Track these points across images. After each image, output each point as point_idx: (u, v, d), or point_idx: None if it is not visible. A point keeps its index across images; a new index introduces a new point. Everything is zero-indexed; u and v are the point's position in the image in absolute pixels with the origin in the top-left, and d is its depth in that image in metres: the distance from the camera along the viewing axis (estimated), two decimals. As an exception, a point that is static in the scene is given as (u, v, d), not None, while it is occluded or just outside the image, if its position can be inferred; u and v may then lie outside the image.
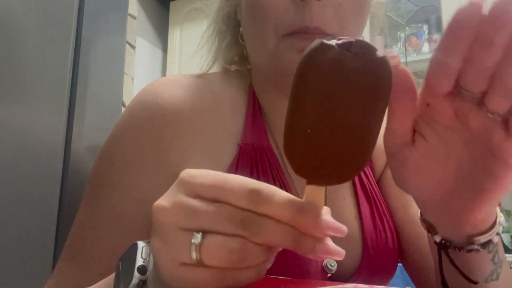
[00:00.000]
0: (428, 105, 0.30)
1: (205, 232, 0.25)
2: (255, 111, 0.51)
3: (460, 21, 0.26)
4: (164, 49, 2.60)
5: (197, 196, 0.26)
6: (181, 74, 0.55)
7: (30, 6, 0.71)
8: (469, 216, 0.32)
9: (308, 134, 0.25)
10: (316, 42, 0.25)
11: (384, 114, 0.26)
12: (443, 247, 0.36)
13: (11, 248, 0.66)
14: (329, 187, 0.51)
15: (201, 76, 0.53)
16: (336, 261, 0.48)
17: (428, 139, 0.32)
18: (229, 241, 0.25)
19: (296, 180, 0.50)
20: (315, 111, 0.25)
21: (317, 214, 0.25)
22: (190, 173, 0.27)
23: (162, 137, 0.46)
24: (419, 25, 2.17)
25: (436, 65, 0.28)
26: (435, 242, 0.36)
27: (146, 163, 0.46)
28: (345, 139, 0.25)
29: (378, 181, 0.57)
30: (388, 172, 0.57)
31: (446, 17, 1.92)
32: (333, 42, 0.24)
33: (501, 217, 0.36)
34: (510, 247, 1.69)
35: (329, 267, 0.47)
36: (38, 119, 0.71)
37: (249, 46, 0.51)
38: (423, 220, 0.38)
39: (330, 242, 0.26)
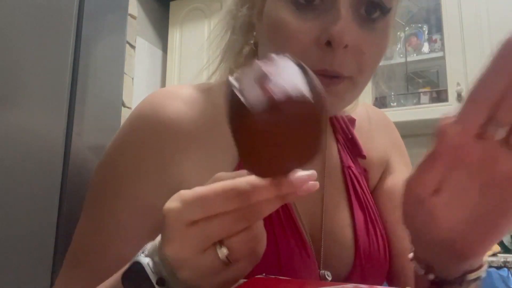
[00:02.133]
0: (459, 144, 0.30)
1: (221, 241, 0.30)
2: None
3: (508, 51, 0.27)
4: (164, 49, 2.60)
5: (192, 222, 0.30)
6: (182, 85, 0.54)
7: (30, 6, 0.71)
8: (473, 255, 0.33)
9: (256, 168, 0.28)
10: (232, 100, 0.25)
11: (319, 131, 0.27)
12: (437, 285, 0.36)
13: (11, 248, 0.66)
14: (325, 197, 0.53)
15: (202, 88, 0.53)
16: (328, 267, 0.48)
17: (452, 185, 0.31)
18: (244, 234, 0.30)
19: None
20: (252, 158, 0.28)
21: (289, 180, 0.30)
22: (176, 205, 0.31)
23: (164, 151, 0.47)
24: (419, 25, 2.17)
25: (479, 93, 0.28)
26: (429, 280, 0.36)
27: (148, 175, 0.46)
28: (288, 157, 0.28)
29: (372, 192, 0.58)
30: (387, 185, 0.58)
31: (446, 17, 1.92)
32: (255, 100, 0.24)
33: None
34: (510, 247, 1.69)
35: (327, 277, 0.47)
36: (38, 119, 0.71)
37: None
38: (417, 259, 0.37)
39: (307, 185, 0.30)
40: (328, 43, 0.41)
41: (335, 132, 0.58)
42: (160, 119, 0.47)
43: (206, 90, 0.52)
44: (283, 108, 0.23)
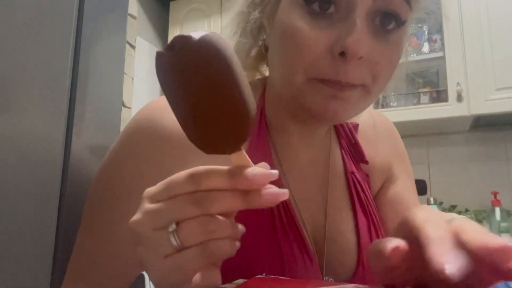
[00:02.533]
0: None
1: (176, 223, 0.30)
2: (261, 127, 0.51)
3: None
4: (164, 49, 2.60)
5: (157, 201, 0.31)
6: None
7: (30, 6, 0.71)
8: None
9: (189, 122, 0.30)
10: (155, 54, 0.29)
11: (233, 80, 0.28)
12: None
13: (11, 248, 0.66)
14: (328, 202, 0.52)
15: None
16: (331, 272, 0.48)
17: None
18: (196, 220, 0.29)
19: (298, 196, 0.50)
20: (182, 104, 0.30)
21: (248, 172, 0.29)
22: (147, 190, 0.32)
23: (163, 164, 0.46)
24: (419, 25, 2.17)
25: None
26: None
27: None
28: (215, 116, 0.29)
29: (375, 198, 0.58)
30: (389, 193, 0.58)
31: (446, 18, 1.92)
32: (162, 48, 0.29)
33: None
34: (510, 247, 1.68)
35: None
36: (38, 118, 0.71)
37: (273, 69, 0.49)
38: None
39: (273, 189, 0.30)
40: (342, 54, 0.40)
41: (339, 137, 0.58)
42: (159, 133, 0.46)
43: None
44: (179, 46, 0.27)
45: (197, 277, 0.29)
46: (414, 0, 0.42)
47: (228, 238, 0.31)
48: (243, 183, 0.29)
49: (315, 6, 0.41)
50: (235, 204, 0.30)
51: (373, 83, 0.43)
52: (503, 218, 1.77)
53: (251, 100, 0.30)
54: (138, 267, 0.47)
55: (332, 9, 0.41)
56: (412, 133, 2.08)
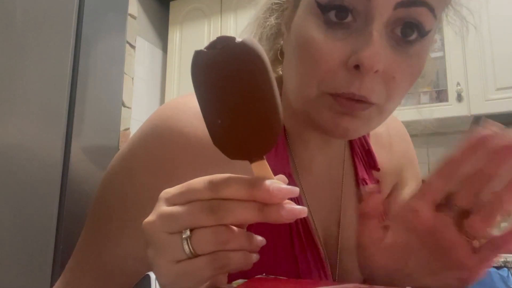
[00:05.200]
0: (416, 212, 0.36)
1: (191, 229, 0.29)
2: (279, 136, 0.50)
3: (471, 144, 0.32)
4: (164, 49, 2.60)
5: (173, 204, 0.30)
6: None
7: (30, 6, 0.71)
8: None
9: (220, 124, 0.29)
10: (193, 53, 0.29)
11: (270, 85, 0.28)
12: None
13: (11, 249, 0.65)
14: (342, 210, 0.52)
15: None
16: (345, 271, 0.48)
17: (397, 237, 0.37)
18: (210, 229, 0.29)
19: (313, 205, 0.49)
20: (214, 106, 0.29)
21: (267, 184, 0.29)
22: (165, 191, 0.32)
23: (180, 175, 0.43)
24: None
25: (447, 171, 0.34)
26: None
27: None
28: (246, 120, 0.29)
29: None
30: (398, 198, 0.58)
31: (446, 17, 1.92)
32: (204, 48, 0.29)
33: None
34: (510, 247, 1.69)
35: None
36: (38, 118, 0.71)
37: (287, 78, 0.47)
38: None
39: (291, 205, 0.29)
40: (357, 67, 0.38)
41: (352, 142, 0.57)
42: (177, 141, 0.44)
43: None
44: (221, 46, 0.28)
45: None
46: (438, 9, 0.39)
47: (242, 251, 0.30)
48: (262, 195, 0.29)
49: (332, 16, 0.39)
50: (251, 216, 0.29)
51: (387, 101, 0.41)
52: (503, 218, 1.77)
53: (281, 109, 0.29)
54: (139, 278, 0.47)
55: (349, 18, 0.39)
56: (412, 133, 2.08)
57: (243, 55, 0.28)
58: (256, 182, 0.29)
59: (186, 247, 0.29)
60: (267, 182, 0.29)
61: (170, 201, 0.31)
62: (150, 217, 0.31)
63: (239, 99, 0.28)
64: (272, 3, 0.48)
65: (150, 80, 2.48)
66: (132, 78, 2.18)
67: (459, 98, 1.80)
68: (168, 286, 0.30)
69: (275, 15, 0.47)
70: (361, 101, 0.39)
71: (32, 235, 0.69)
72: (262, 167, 0.30)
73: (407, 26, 0.39)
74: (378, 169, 0.56)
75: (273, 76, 0.29)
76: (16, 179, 0.67)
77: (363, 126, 0.42)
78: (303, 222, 0.47)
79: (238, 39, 0.28)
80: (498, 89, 1.74)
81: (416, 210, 0.35)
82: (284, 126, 0.51)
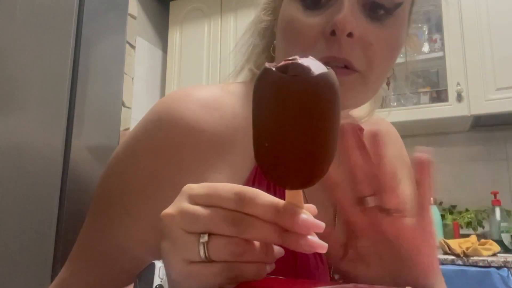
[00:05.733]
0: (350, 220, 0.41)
1: (209, 234, 0.29)
2: None
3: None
4: (164, 49, 2.60)
5: (196, 204, 0.30)
6: (200, 86, 0.52)
7: (30, 6, 0.71)
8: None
9: (267, 147, 0.28)
10: (262, 68, 0.28)
11: (335, 123, 0.28)
12: None
13: (11, 249, 0.66)
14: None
15: (222, 89, 0.51)
16: (338, 269, 0.48)
17: (360, 250, 0.41)
18: (227, 239, 0.29)
19: (310, 196, 0.50)
20: (267, 128, 0.28)
21: (295, 214, 0.29)
22: (189, 186, 0.32)
23: (181, 161, 0.45)
24: (419, 25, 2.17)
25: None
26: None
27: (162, 188, 0.44)
28: (298, 150, 0.28)
29: None
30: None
31: (446, 17, 1.92)
32: (273, 66, 0.28)
33: None
34: (510, 247, 1.69)
35: (336, 278, 0.47)
36: (38, 118, 0.71)
37: (277, 61, 0.51)
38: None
39: (313, 238, 0.29)
40: (333, 33, 0.43)
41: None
42: (179, 126, 0.45)
43: (225, 94, 0.50)
44: (293, 73, 0.27)
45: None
46: None
47: (257, 263, 0.30)
48: (287, 223, 0.29)
49: (309, 0, 0.45)
50: (270, 238, 0.29)
51: (369, 70, 0.45)
52: (503, 218, 1.77)
53: (334, 156, 0.29)
54: (143, 264, 0.47)
55: (323, 0, 0.45)
56: (412, 133, 2.08)
57: (315, 90, 0.27)
58: (285, 210, 0.29)
59: (202, 251, 0.29)
60: (296, 212, 0.29)
61: (193, 199, 0.30)
62: (170, 210, 0.31)
63: (299, 130, 0.27)
64: (264, 3, 0.54)
65: (150, 80, 2.48)
66: (132, 78, 2.18)
67: (459, 98, 1.80)
68: (178, 283, 0.30)
69: (268, 13, 0.53)
70: (344, 68, 0.44)
71: (32, 234, 0.69)
72: (295, 195, 0.30)
73: (373, 5, 0.45)
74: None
75: (340, 117, 0.28)
76: (16, 178, 0.67)
77: (348, 94, 0.45)
78: None
79: (315, 71, 0.26)
80: (498, 89, 1.74)
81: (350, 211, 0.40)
82: None
